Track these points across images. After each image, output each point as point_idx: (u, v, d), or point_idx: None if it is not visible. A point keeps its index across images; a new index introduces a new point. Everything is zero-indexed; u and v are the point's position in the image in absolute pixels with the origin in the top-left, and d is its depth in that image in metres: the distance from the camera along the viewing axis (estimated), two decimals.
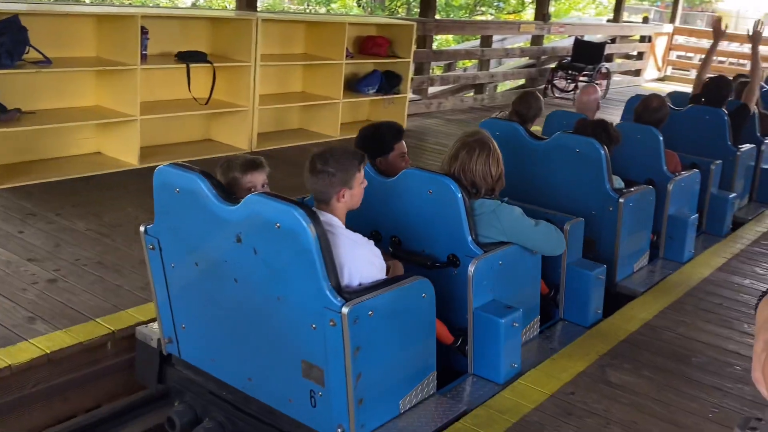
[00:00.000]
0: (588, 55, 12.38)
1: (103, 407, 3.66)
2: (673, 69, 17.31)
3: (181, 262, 3.23)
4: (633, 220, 4.69)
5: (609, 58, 14.12)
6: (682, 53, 18.98)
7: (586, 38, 13.55)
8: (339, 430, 2.88)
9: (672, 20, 16.96)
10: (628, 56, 16.36)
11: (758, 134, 6.61)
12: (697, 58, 19.15)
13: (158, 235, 3.28)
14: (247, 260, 2.93)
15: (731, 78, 6.87)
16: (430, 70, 10.70)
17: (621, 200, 4.55)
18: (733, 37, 15.80)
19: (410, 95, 9.26)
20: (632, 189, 4.70)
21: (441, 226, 3.54)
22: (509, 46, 13.15)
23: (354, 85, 8.40)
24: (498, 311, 3.48)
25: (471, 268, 3.43)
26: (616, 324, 3.96)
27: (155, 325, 3.60)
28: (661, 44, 16.34)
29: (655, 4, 41.31)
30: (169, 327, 3.39)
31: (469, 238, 3.47)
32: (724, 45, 17.60)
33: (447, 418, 3.07)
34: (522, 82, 13.86)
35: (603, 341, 3.67)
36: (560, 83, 12.63)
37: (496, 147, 3.65)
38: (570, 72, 12.40)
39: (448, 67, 13.03)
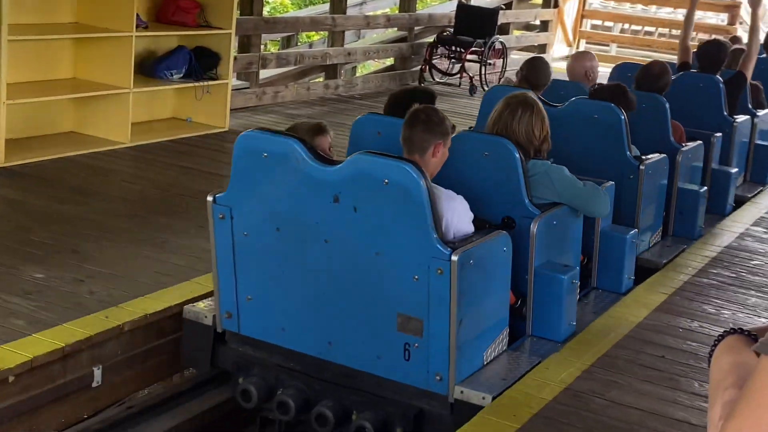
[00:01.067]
0: (476, 26, 11.36)
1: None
2: (587, 43, 15.62)
3: (257, 229, 3.85)
4: (652, 189, 5.31)
5: (504, 30, 12.69)
6: (598, 22, 17.79)
7: (473, 2, 12.45)
8: (437, 377, 3.61)
9: None
10: (528, 27, 14.62)
11: (750, 106, 7.05)
12: (618, 29, 17.86)
13: (231, 204, 3.87)
14: (343, 219, 3.63)
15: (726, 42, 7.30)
16: (262, 47, 9.53)
17: (642, 167, 5.19)
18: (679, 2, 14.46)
19: (234, 81, 8.34)
20: (650, 156, 5.29)
21: (496, 188, 4.16)
22: (370, 13, 11.83)
23: (150, 67, 7.44)
24: (558, 269, 4.23)
25: (533, 228, 4.11)
26: (525, 392, 3.59)
27: (202, 304, 4.22)
28: (571, 10, 14.87)
29: None
30: (230, 301, 3.99)
31: (526, 200, 4.15)
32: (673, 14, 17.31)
33: (524, 369, 3.80)
34: (390, 62, 12.38)
35: (511, 416, 3.35)
36: (441, 64, 11.66)
37: (541, 107, 4.25)
38: (454, 48, 11.29)
39: (287, 42, 11.90)
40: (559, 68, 8.12)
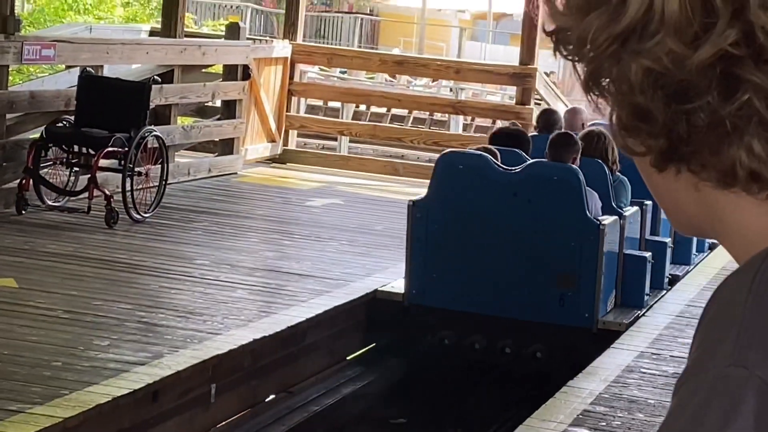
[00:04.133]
0: (114, 111, 9.88)
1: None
2: (300, 137, 15.05)
3: (447, 222, 8.03)
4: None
5: (163, 116, 11.53)
6: (318, 102, 18.48)
7: (107, 72, 11.81)
8: (586, 314, 7.80)
9: (289, 33, 14.09)
10: (202, 110, 14.88)
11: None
12: (350, 111, 18.19)
13: (427, 205, 8.10)
14: (519, 209, 7.92)
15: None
16: None
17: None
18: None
19: None
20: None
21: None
22: None
23: None
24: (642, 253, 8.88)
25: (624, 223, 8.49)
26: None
27: (392, 286, 8.38)
28: (273, 81, 13.63)
29: None
30: (419, 280, 8.02)
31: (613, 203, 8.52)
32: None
33: (632, 317, 8.06)
34: None
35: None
36: (56, 175, 10.06)
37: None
38: (77, 149, 9.85)
39: None
40: (244, 188, 8.29)
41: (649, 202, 9.19)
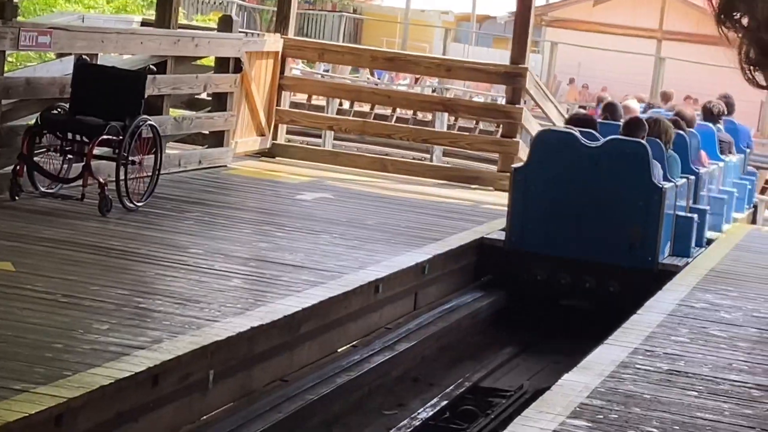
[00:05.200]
0: (109, 100, 9.77)
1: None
2: (288, 133, 14.95)
3: (541, 184, 10.46)
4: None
5: (156, 106, 11.41)
6: (302, 99, 18.73)
7: (102, 60, 11.19)
8: (650, 258, 10.24)
9: (281, 27, 14.07)
10: (193, 102, 13.68)
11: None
12: (335, 106, 18.31)
13: (525, 171, 10.53)
14: (599, 174, 10.32)
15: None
16: None
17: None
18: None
19: None
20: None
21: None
22: None
23: None
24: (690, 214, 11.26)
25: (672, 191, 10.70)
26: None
27: (494, 235, 10.73)
28: (264, 76, 13.53)
29: None
30: (518, 230, 10.41)
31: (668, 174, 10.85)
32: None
33: (683, 263, 10.48)
34: None
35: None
36: (50, 162, 9.90)
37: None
38: (71, 137, 9.70)
39: None
40: (235, 180, 8.13)
41: (692, 177, 11.53)
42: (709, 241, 11.67)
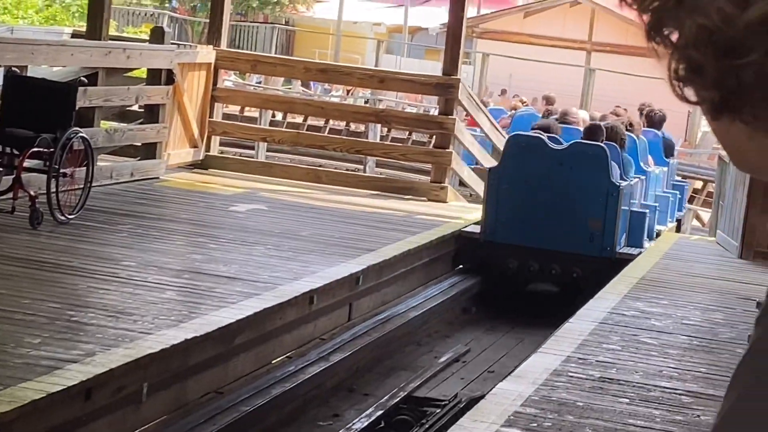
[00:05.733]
0: (40, 112, 9.71)
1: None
2: (221, 145, 14.97)
3: (512, 182, 11.79)
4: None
5: (87, 118, 11.44)
6: (235, 111, 18.56)
7: (32, 72, 11.73)
8: (608, 247, 11.60)
9: (213, 39, 13.93)
10: (124, 114, 13.54)
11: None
12: (267, 118, 18.13)
13: (499, 170, 11.92)
14: (563, 173, 11.68)
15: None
16: None
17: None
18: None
19: None
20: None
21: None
22: None
23: None
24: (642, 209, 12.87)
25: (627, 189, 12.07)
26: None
27: (471, 228, 12.13)
28: (196, 88, 13.52)
29: (165, 4, 41.90)
30: (492, 223, 11.78)
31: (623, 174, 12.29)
32: None
33: (637, 252, 12.04)
34: None
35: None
36: None
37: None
38: (1, 149, 9.58)
39: None
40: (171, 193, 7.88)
41: (644, 177, 13.24)
42: (658, 234, 13.56)
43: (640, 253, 11.76)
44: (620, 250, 11.77)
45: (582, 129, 13.45)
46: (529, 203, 11.73)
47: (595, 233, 11.61)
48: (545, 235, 11.64)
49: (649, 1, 0.95)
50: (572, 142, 12.08)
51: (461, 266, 12.04)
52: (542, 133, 12.42)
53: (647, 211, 12.71)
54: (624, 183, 11.79)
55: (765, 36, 0.89)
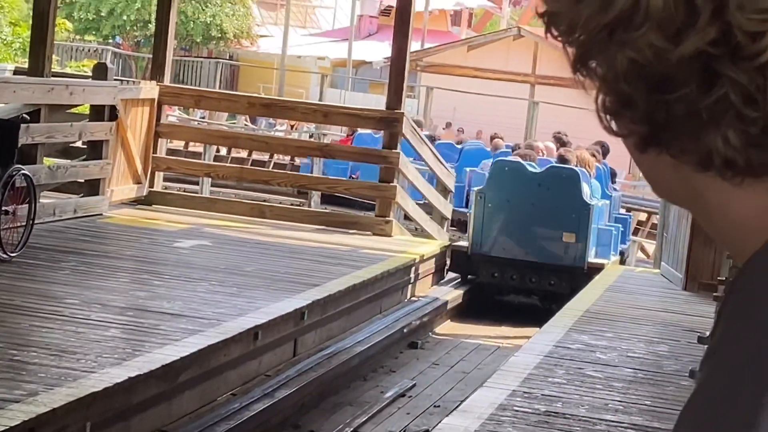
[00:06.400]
0: None
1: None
2: (165, 180, 14.89)
3: (496, 202, 13.94)
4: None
5: (30, 155, 11.27)
6: (179, 146, 18.45)
7: None
8: (581, 259, 13.66)
9: (157, 74, 13.90)
10: (67, 152, 14.24)
11: None
12: (211, 153, 18.00)
13: (485, 191, 14.04)
14: (541, 193, 13.85)
15: None
16: None
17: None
18: None
19: None
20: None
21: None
22: None
23: None
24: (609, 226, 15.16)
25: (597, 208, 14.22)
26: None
27: (462, 243, 14.35)
28: (139, 124, 13.44)
29: (108, 40, 41.77)
30: (478, 238, 13.87)
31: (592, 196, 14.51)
32: None
33: (606, 262, 14.41)
34: None
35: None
36: None
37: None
38: None
39: None
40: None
41: (608, 200, 15.26)
42: (622, 253, 16.17)
43: (608, 263, 13.96)
44: (591, 261, 13.63)
45: (546, 157, 16.29)
46: (511, 220, 13.60)
47: (570, 245, 13.48)
48: (524, 249, 13.51)
49: (577, 34, 0.94)
50: (549, 165, 14.25)
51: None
52: (522, 159, 14.64)
53: (612, 228, 14.85)
54: (594, 201, 13.72)
55: (697, 70, 0.89)
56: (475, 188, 14.36)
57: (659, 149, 0.94)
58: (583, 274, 13.10)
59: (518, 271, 13.50)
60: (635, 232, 19.43)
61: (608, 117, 0.96)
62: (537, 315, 12.25)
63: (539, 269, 13.41)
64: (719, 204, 0.95)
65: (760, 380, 0.88)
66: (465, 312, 13.21)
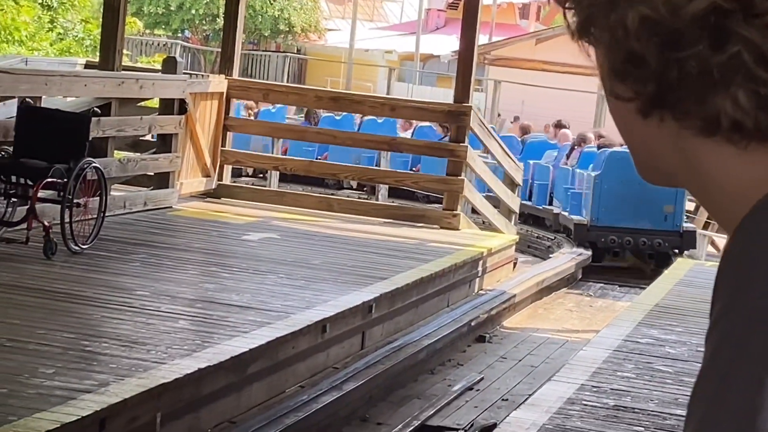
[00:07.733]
0: (53, 142, 9.72)
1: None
2: (234, 176, 15.11)
3: (611, 183, 17.64)
4: None
5: (100, 148, 11.24)
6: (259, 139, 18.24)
7: (46, 103, 10.91)
8: (677, 224, 17.87)
9: (225, 68, 13.93)
10: (138, 144, 13.27)
11: None
12: (280, 146, 18.16)
13: (602, 176, 17.71)
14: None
15: None
16: None
17: None
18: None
19: None
20: None
21: None
22: None
23: None
24: None
25: None
26: None
27: (580, 218, 17.89)
28: (209, 116, 13.44)
29: (177, 34, 42.09)
30: (596, 212, 17.77)
31: None
32: None
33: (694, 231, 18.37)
34: None
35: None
36: None
37: None
38: (15, 180, 9.60)
39: None
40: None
41: None
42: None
43: (693, 228, 17.38)
44: (685, 226, 17.22)
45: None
46: (624, 197, 16.71)
47: (668, 215, 17.12)
48: (634, 218, 16.98)
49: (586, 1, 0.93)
50: None
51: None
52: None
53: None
54: None
55: (710, 27, 0.89)
56: (593, 173, 17.51)
57: (663, 113, 0.93)
58: (679, 236, 17.17)
59: (632, 236, 17.04)
60: (705, 226, 19.48)
61: (613, 79, 0.96)
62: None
63: (648, 234, 17.11)
64: (716, 174, 0.94)
65: (762, 355, 0.88)
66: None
